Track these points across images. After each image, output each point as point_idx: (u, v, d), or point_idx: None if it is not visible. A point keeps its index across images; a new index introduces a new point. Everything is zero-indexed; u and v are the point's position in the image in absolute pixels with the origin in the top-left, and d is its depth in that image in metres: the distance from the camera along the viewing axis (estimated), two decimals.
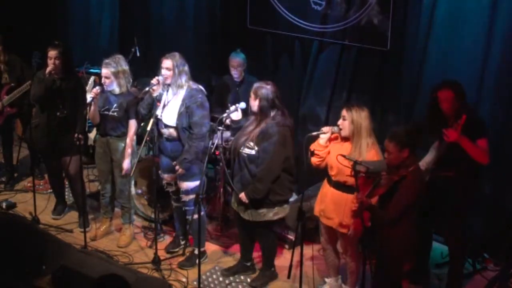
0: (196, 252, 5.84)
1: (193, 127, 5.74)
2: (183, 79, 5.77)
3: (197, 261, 5.63)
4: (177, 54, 5.79)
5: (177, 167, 5.79)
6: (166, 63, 5.75)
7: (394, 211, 4.73)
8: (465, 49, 6.00)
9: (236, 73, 6.78)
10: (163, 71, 5.76)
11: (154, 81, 5.78)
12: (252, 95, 5.50)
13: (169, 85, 5.77)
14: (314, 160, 5.31)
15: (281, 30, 7.06)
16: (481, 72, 5.95)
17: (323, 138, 5.29)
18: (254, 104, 5.50)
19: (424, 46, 6.21)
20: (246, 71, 6.83)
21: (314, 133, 5.36)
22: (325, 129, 5.29)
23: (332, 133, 5.29)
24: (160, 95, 5.82)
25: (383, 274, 4.96)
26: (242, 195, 5.51)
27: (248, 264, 6.01)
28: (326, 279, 5.74)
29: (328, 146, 5.30)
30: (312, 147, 5.31)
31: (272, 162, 5.44)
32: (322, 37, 6.80)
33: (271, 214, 5.59)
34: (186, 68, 5.80)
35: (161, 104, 5.82)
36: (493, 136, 5.94)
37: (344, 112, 5.19)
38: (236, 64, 6.75)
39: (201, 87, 5.89)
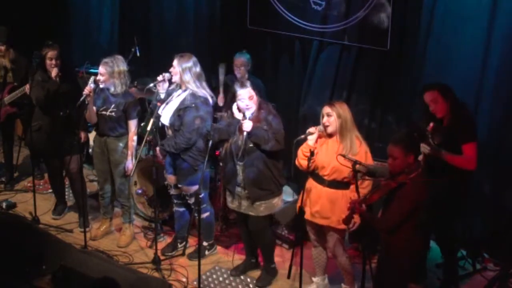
0: (204, 244, 6.14)
1: (182, 128, 5.76)
2: (187, 80, 5.76)
3: (206, 252, 6.18)
4: (187, 55, 5.80)
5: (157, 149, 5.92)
6: (174, 61, 5.80)
7: (390, 220, 4.57)
8: (465, 49, 6.00)
9: (239, 73, 6.78)
10: (171, 68, 5.83)
11: (159, 77, 5.83)
12: (252, 96, 5.48)
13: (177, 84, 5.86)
14: (303, 163, 5.21)
15: (281, 30, 7.06)
16: (481, 72, 5.95)
17: (311, 139, 5.23)
18: (254, 104, 5.48)
19: (424, 45, 6.21)
20: (250, 72, 6.82)
21: (302, 136, 5.26)
22: (311, 129, 5.23)
23: (319, 131, 5.25)
24: (159, 95, 5.83)
25: (387, 280, 4.82)
26: (249, 121, 5.38)
27: (254, 260, 6.03)
28: (313, 278, 5.73)
29: (316, 147, 5.25)
30: (301, 150, 5.24)
31: (281, 135, 5.45)
32: (322, 37, 6.81)
33: (277, 199, 5.63)
34: (194, 70, 5.75)
35: (166, 102, 5.87)
36: (493, 136, 5.97)
37: (327, 110, 5.17)
38: (239, 63, 6.76)
39: (207, 96, 5.81)
